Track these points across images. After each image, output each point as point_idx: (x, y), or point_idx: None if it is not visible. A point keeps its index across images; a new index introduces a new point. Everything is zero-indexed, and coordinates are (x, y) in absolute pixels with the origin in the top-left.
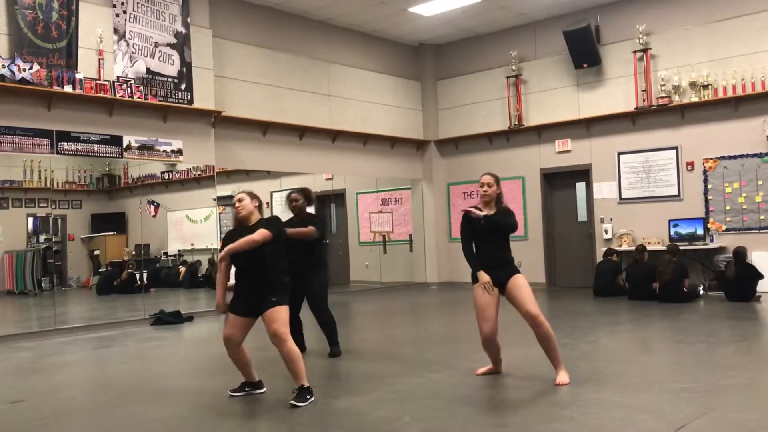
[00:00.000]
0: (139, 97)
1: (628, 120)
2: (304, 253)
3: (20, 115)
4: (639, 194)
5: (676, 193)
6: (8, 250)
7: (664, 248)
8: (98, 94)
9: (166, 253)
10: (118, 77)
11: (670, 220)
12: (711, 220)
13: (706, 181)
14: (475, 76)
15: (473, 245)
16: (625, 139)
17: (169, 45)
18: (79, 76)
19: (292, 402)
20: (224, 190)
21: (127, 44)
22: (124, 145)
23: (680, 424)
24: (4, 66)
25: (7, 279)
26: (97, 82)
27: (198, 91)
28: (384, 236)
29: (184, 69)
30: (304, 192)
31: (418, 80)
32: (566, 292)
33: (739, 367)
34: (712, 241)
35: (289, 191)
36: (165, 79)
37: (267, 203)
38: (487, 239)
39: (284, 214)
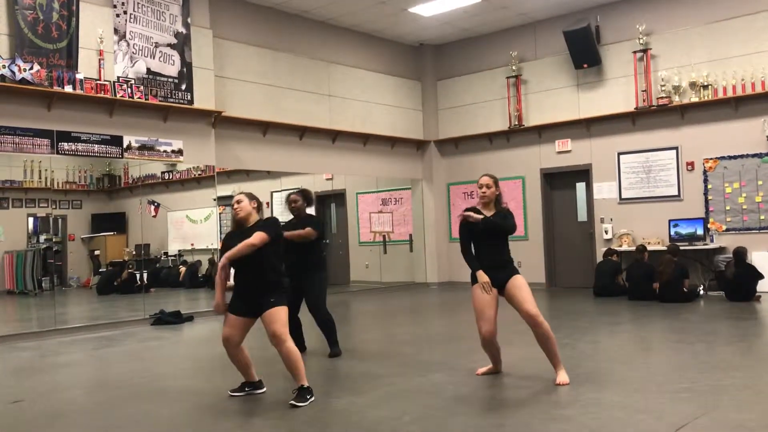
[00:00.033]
0: (139, 98)
1: (628, 120)
2: (303, 254)
3: (20, 115)
4: (639, 194)
5: (676, 193)
6: (8, 250)
7: (664, 248)
8: (99, 95)
9: (166, 253)
10: (118, 77)
11: (670, 220)
12: (711, 220)
13: (706, 181)
14: (475, 76)
15: (472, 246)
16: (625, 139)
17: (169, 45)
18: (79, 76)
19: (293, 402)
20: (224, 190)
21: (128, 44)
22: (125, 145)
23: (680, 424)
24: (4, 66)
25: (7, 279)
26: (98, 82)
27: (198, 91)
28: (384, 236)
29: (185, 69)
30: (303, 193)
31: (418, 80)
32: (566, 292)
33: (739, 367)
34: (712, 241)
35: (288, 193)
36: (165, 79)
37: (267, 203)
38: (486, 241)
39: (284, 215)
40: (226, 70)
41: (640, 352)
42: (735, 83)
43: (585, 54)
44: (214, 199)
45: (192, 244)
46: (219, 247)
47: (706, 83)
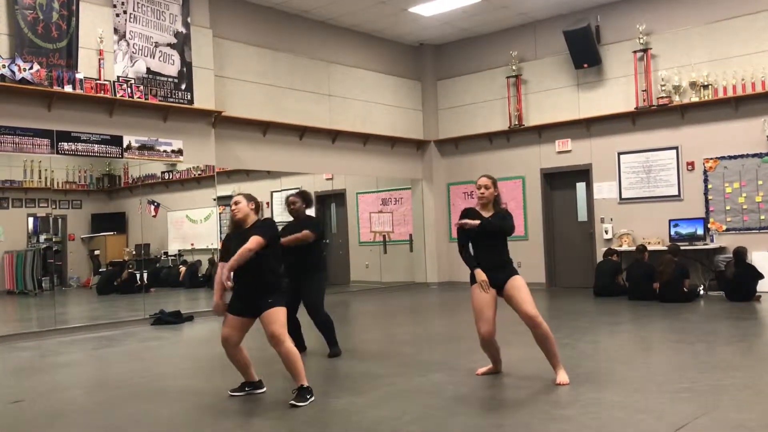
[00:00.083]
0: (139, 97)
1: (628, 120)
2: (303, 254)
3: (20, 115)
4: (639, 194)
5: (677, 193)
6: (8, 250)
7: (664, 248)
8: (98, 94)
9: (166, 253)
10: (118, 77)
11: (670, 220)
12: (711, 220)
13: (706, 181)
14: (475, 76)
15: (470, 246)
16: (625, 139)
17: (169, 45)
18: (79, 76)
19: (292, 402)
20: (224, 190)
21: (128, 44)
22: (125, 145)
23: (680, 424)
24: (4, 66)
25: (7, 279)
26: (98, 82)
27: (198, 91)
28: (384, 236)
29: (185, 69)
30: (302, 195)
31: (418, 80)
32: (566, 292)
33: (739, 367)
34: (712, 241)
35: (287, 195)
36: (165, 79)
37: (267, 203)
38: (484, 242)
39: (284, 215)
40: (226, 70)
41: (640, 352)
42: (735, 83)
43: (585, 54)
44: (214, 199)
45: (192, 244)
46: (219, 248)
47: (706, 83)
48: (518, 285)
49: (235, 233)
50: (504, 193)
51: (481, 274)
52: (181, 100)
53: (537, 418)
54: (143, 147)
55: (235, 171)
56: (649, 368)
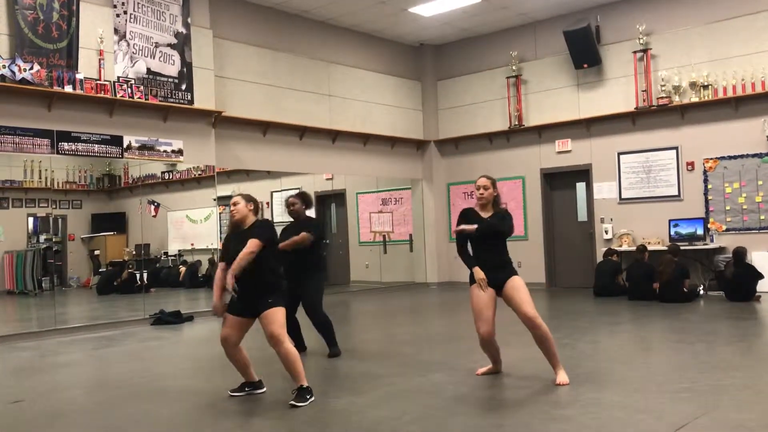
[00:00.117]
0: (139, 98)
1: (628, 120)
2: (302, 254)
3: (21, 115)
4: (639, 194)
5: (676, 193)
6: (8, 250)
7: (664, 248)
8: (99, 95)
9: (166, 253)
10: (118, 77)
11: (670, 220)
12: (711, 220)
13: (706, 181)
14: (475, 76)
15: (468, 246)
16: (625, 139)
17: (169, 45)
18: (79, 76)
19: (292, 402)
20: (224, 190)
21: (128, 44)
22: (125, 145)
23: (680, 424)
24: (4, 66)
25: (7, 279)
26: (98, 82)
27: (198, 91)
28: (384, 236)
29: (185, 69)
30: (302, 196)
31: (418, 80)
32: (566, 292)
33: (739, 367)
34: (712, 241)
35: (287, 196)
36: (165, 79)
37: (267, 203)
38: (483, 243)
39: (284, 216)
40: (226, 70)
41: (640, 352)
42: (735, 83)
43: (585, 54)
44: (214, 199)
45: (192, 244)
46: (219, 248)
47: (706, 83)
48: (517, 285)
49: (234, 234)
50: (504, 193)
51: (479, 273)
52: (182, 101)
53: (537, 418)
54: (143, 147)
55: (235, 171)
56: (649, 368)
